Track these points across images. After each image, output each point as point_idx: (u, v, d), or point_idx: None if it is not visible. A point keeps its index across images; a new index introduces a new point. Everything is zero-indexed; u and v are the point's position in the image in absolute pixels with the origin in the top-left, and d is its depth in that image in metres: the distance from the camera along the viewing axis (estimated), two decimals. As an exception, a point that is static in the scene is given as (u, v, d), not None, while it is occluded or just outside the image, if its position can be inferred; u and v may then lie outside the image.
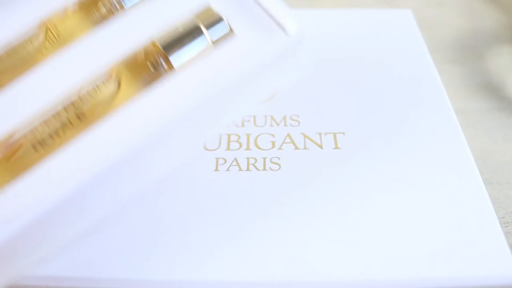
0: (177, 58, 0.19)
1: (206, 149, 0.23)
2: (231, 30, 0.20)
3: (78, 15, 0.20)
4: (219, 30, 0.20)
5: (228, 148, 0.23)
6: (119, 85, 0.19)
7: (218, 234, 0.20)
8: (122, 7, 0.20)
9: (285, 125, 0.24)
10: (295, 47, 0.20)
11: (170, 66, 0.19)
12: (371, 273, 0.19)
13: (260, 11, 0.20)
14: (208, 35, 0.19)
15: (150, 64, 0.19)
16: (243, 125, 0.24)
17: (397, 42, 0.31)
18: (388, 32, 0.32)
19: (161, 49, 0.19)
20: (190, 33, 0.19)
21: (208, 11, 0.20)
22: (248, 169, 0.22)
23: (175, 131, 0.19)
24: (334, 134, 0.24)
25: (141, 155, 0.19)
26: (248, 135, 0.24)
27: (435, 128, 0.25)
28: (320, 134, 0.24)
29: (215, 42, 0.20)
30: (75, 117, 0.18)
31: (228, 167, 0.23)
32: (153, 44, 0.19)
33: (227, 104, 0.20)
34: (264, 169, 0.22)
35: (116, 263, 0.19)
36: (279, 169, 0.22)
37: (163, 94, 0.19)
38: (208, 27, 0.19)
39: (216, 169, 0.23)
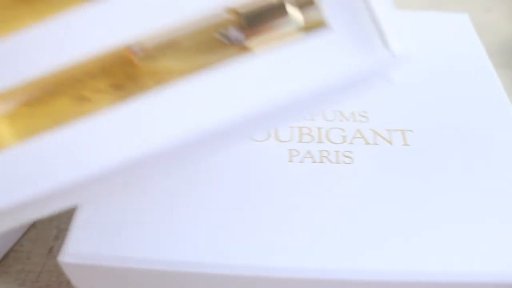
0: (257, 35, 0.16)
1: (278, 140, 0.24)
2: (324, 22, 0.16)
3: None
4: (311, 16, 0.17)
5: (300, 141, 0.24)
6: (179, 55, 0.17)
7: (297, 224, 0.21)
8: None
9: (354, 120, 0.25)
10: (392, 66, 0.16)
11: (247, 45, 0.16)
12: (443, 267, 0.20)
13: (367, 15, 0.16)
14: (299, 17, 0.16)
15: (220, 35, 0.16)
16: (313, 119, 0.25)
17: (456, 44, 0.31)
18: (447, 35, 0.32)
19: (242, 19, 0.16)
20: (277, 9, 0.16)
21: None
22: (321, 161, 0.23)
23: (245, 121, 0.17)
24: (402, 132, 0.25)
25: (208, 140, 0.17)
26: (319, 129, 0.25)
27: (499, 129, 0.25)
28: (389, 130, 0.25)
29: (304, 29, 0.16)
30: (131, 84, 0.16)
31: (302, 159, 0.23)
32: (231, 11, 0.16)
33: (302, 103, 0.18)
34: (337, 162, 0.23)
35: (193, 248, 0.20)
36: (351, 162, 0.23)
37: (238, 76, 0.16)
38: (299, 7, 0.17)
39: (290, 160, 0.23)
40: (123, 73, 0.17)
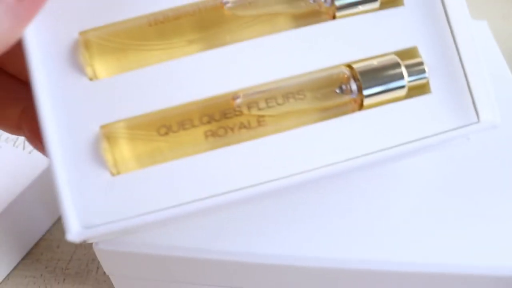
0: (371, 92, 0.18)
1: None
2: (429, 87, 0.18)
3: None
4: (417, 78, 0.19)
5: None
6: (301, 103, 0.19)
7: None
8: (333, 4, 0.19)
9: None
10: (479, 131, 0.18)
11: (361, 99, 0.18)
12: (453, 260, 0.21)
13: (464, 84, 0.18)
14: (407, 80, 0.18)
15: (337, 87, 0.19)
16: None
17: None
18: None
19: (358, 76, 0.18)
20: (390, 69, 0.18)
21: (414, 52, 0.19)
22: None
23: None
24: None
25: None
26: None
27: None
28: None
29: (409, 91, 0.18)
30: (255, 122, 0.18)
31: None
32: (350, 67, 0.18)
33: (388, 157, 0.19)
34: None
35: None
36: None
37: (345, 127, 0.18)
38: (409, 72, 0.18)
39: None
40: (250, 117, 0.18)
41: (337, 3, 0.19)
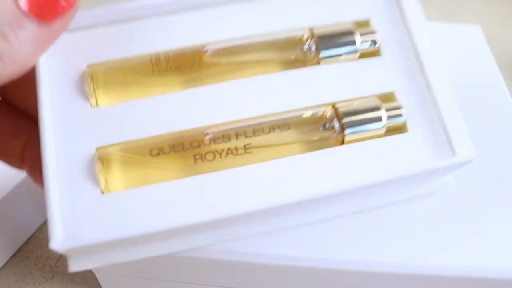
0: (352, 129, 0.20)
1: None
2: (406, 127, 0.20)
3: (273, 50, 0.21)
4: (395, 120, 0.20)
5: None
6: (286, 135, 0.20)
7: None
8: (318, 53, 0.21)
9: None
10: (455, 168, 0.20)
11: (342, 136, 0.20)
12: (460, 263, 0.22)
13: (438, 121, 0.20)
14: (384, 121, 0.20)
15: (321, 125, 0.20)
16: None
17: (468, 56, 0.32)
18: (459, 46, 0.33)
19: (341, 115, 0.20)
20: (370, 112, 0.20)
21: (391, 96, 0.21)
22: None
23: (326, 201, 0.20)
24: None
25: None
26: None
27: (506, 137, 0.26)
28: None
29: (387, 128, 0.20)
30: (242, 149, 0.20)
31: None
32: (334, 107, 0.20)
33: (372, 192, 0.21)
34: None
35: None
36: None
37: (326, 160, 0.20)
38: (387, 114, 0.20)
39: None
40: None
41: (321, 55, 0.21)
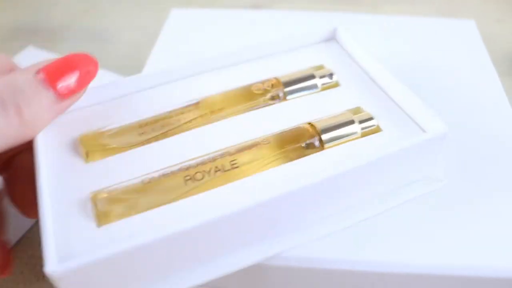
0: (329, 140, 0.22)
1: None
2: (378, 126, 0.23)
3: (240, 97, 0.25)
4: (369, 125, 0.23)
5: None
6: (269, 151, 0.22)
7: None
8: (285, 97, 0.24)
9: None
10: (435, 143, 0.22)
11: (322, 146, 0.22)
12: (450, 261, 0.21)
13: (406, 116, 0.23)
14: (359, 126, 0.23)
15: (303, 142, 0.22)
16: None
17: (462, 51, 0.32)
18: (453, 41, 0.33)
19: (318, 130, 0.22)
20: (345, 124, 0.23)
21: (359, 109, 0.24)
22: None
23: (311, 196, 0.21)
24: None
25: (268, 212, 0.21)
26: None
27: (498, 131, 0.26)
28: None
29: (363, 134, 0.23)
30: (228, 165, 0.21)
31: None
32: (311, 125, 0.23)
33: (361, 183, 0.22)
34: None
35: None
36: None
37: (309, 163, 0.21)
38: (360, 121, 0.23)
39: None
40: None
41: (288, 97, 0.25)
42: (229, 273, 0.20)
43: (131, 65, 0.38)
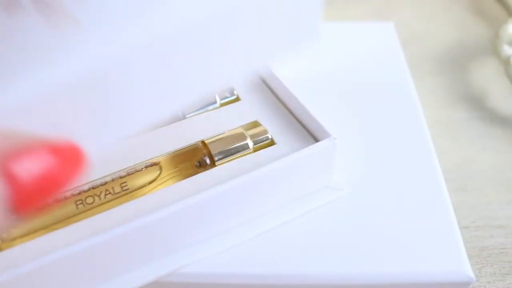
0: (221, 157, 0.22)
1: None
2: (272, 140, 0.24)
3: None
4: (262, 139, 0.23)
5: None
6: (160, 171, 0.22)
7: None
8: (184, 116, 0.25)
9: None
10: (325, 153, 0.22)
11: (213, 163, 0.22)
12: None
13: (299, 125, 0.24)
14: (251, 142, 0.23)
15: (196, 161, 0.23)
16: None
17: (378, 53, 0.32)
18: (370, 44, 0.33)
19: (209, 148, 0.22)
20: (237, 140, 0.23)
21: (256, 123, 0.24)
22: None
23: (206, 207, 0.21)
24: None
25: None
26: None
27: (405, 136, 0.26)
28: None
29: (256, 148, 0.23)
30: (119, 188, 0.21)
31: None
32: (203, 143, 0.23)
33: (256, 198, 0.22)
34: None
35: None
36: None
37: (200, 180, 0.22)
38: (252, 136, 0.23)
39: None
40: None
41: (188, 116, 0.25)
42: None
43: None
